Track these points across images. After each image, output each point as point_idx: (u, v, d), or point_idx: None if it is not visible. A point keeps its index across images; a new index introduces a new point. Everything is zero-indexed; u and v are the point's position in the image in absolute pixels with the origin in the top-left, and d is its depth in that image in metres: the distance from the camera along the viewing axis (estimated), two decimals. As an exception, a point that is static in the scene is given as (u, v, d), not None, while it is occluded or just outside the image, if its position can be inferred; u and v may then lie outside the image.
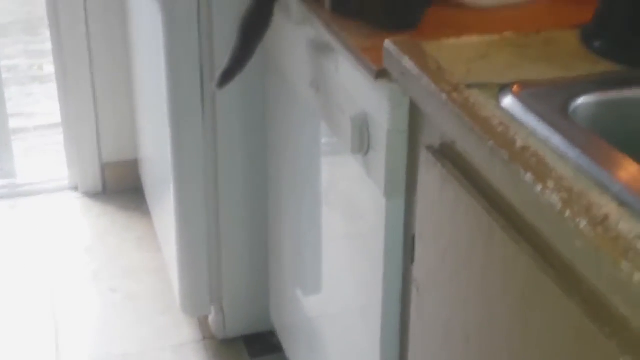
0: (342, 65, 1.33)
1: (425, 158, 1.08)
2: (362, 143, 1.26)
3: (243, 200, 1.90)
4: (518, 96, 0.97)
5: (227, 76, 1.48)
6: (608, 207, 0.75)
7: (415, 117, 1.15)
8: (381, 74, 1.15)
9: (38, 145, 2.96)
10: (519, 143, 0.87)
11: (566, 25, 1.18)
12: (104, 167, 2.63)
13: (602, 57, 1.07)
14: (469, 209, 0.97)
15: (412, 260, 1.16)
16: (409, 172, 1.18)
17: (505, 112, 0.94)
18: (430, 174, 1.07)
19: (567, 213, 0.74)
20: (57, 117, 2.69)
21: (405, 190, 1.20)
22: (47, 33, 2.61)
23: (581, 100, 0.98)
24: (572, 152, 0.84)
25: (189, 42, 1.74)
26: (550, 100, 0.97)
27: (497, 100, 0.97)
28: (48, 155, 2.86)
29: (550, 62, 1.07)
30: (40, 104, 3.34)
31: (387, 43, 1.13)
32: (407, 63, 1.07)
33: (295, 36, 1.54)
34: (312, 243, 1.61)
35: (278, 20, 1.50)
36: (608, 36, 1.08)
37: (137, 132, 2.54)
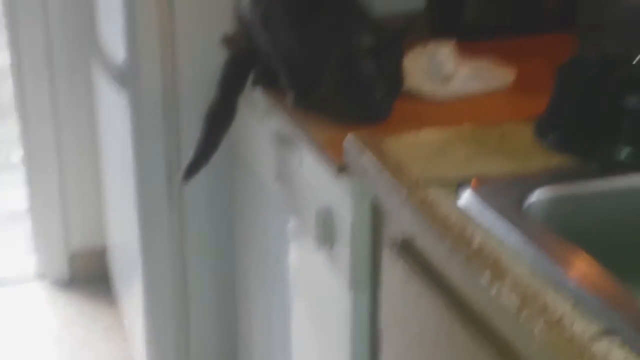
0: (305, 158, 1.35)
1: (388, 253, 1.09)
2: (327, 236, 1.28)
3: (212, 291, 1.90)
4: (476, 192, 0.99)
5: (193, 169, 1.50)
6: (563, 307, 0.76)
7: (378, 212, 1.17)
8: (342, 170, 1.17)
9: (4, 234, 2.94)
10: (476, 242, 0.89)
11: (522, 117, 1.21)
12: (71, 255, 2.62)
13: (555, 150, 1.10)
14: (431, 305, 0.98)
15: (378, 353, 1.16)
16: (373, 265, 1.20)
17: (463, 209, 0.96)
18: (394, 269, 1.08)
19: (523, 315, 0.76)
20: (24, 205, 2.68)
21: (371, 283, 1.21)
22: (14, 120, 2.62)
23: (536, 195, 1.00)
24: (528, 251, 0.86)
25: (156, 133, 1.76)
26: (507, 195, 0.99)
27: (456, 197, 0.99)
28: (15, 244, 2.84)
29: (507, 156, 1.10)
30: (7, 192, 3.33)
31: (348, 139, 1.15)
32: (367, 160, 1.09)
33: (260, 128, 1.57)
34: (281, 334, 1.61)
35: (243, 112, 1.53)
36: (560, 129, 1.11)
37: (105, 220, 2.54)
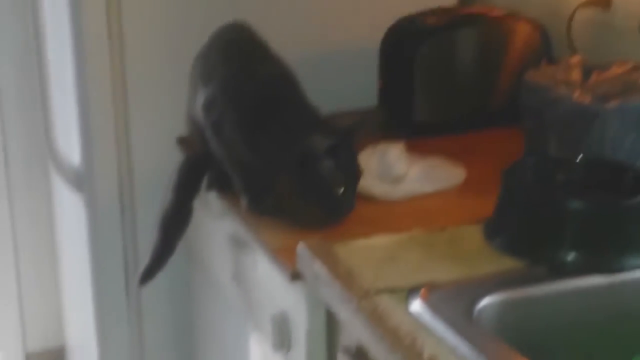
0: (259, 262, 1.36)
1: (342, 361, 1.09)
2: (283, 341, 1.27)
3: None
4: (426, 301, 1.00)
5: (148, 275, 1.49)
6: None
7: (332, 318, 1.17)
8: (296, 277, 1.18)
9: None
10: (427, 354, 0.90)
11: (473, 218, 1.24)
12: (28, 356, 2.56)
13: (503, 254, 1.12)
14: (385, 415, 0.98)
15: None
16: (329, 372, 1.19)
17: (414, 318, 0.97)
18: (348, 378, 1.08)
19: None
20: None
21: (327, 389, 1.20)
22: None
23: (485, 301, 1.02)
24: (476, 362, 0.87)
25: (113, 236, 1.76)
26: (457, 302, 1.01)
27: (406, 306, 1.00)
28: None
29: (456, 261, 1.12)
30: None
31: (300, 246, 1.16)
32: (319, 268, 1.11)
33: (216, 229, 1.57)
34: None
35: (199, 212, 1.54)
36: (507, 233, 1.14)
37: (63, 320, 2.50)
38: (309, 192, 1.30)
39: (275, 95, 1.36)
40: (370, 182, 1.39)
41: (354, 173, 1.32)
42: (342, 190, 1.29)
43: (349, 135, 1.33)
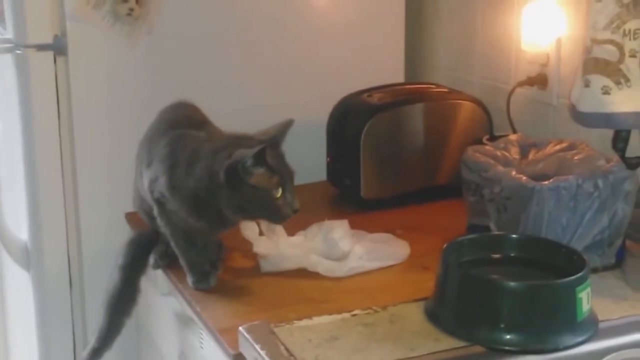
0: (205, 341, 1.36)
1: None
2: None
3: None
4: (364, 384, 1.01)
5: (95, 355, 1.48)
6: None
7: (274, 400, 1.17)
8: (238, 359, 1.18)
9: None
10: None
11: (416, 295, 1.25)
12: None
13: (443, 333, 1.14)
14: None
15: None
16: None
17: (351, 403, 0.98)
18: None
19: None
20: None
21: None
22: None
23: (423, 385, 1.03)
24: None
25: (61, 313, 1.75)
26: (395, 385, 1.02)
27: (344, 389, 1.01)
28: None
29: (397, 342, 1.13)
30: None
31: (241, 330, 1.17)
32: (260, 351, 1.11)
33: (162, 306, 1.57)
34: None
35: (146, 288, 1.54)
36: (446, 313, 1.15)
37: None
38: (247, 203, 1.31)
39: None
40: (315, 260, 1.40)
41: (286, 174, 1.33)
42: (279, 193, 1.30)
43: (275, 139, 1.35)
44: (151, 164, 1.39)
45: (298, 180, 1.80)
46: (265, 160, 1.29)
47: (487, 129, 1.70)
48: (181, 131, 1.41)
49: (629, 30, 1.21)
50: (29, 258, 1.76)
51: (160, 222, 1.40)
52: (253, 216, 1.37)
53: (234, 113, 1.79)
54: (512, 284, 1.11)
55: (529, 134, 1.60)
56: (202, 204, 1.34)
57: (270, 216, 1.34)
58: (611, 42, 1.21)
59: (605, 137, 1.38)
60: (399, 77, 1.94)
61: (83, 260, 1.74)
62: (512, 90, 1.71)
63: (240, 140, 1.35)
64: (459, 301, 1.14)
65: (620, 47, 1.21)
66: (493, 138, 1.62)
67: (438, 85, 1.83)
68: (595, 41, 1.22)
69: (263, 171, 1.30)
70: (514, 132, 1.68)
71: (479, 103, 1.73)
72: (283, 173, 1.32)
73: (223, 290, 1.38)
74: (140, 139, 1.48)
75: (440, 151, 1.70)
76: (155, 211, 1.40)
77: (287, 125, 1.40)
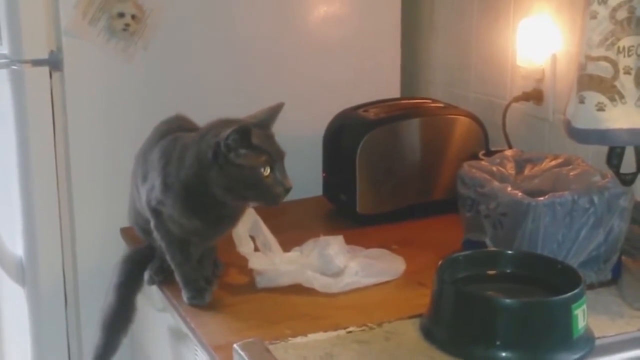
0: (200, 358, 1.35)
1: None
2: None
3: None
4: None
5: (92, 375, 1.47)
6: None
7: (269, 417, 1.16)
8: (233, 383, 1.18)
9: None
10: None
11: (411, 310, 1.25)
12: None
13: (438, 351, 1.13)
14: None
15: None
16: None
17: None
18: None
19: None
20: None
21: None
22: None
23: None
24: None
25: (57, 330, 1.74)
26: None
27: (340, 407, 1.00)
28: None
29: (391, 359, 1.13)
30: None
31: (236, 347, 1.16)
32: (254, 369, 1.10)
33: (157, 321, 1.56)
34: None
35: (142, 304, 1.53)
36: (441, 330, 1.15)
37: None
38: (235, 182, 1.30)
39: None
40: (310, 276, 1.40)
41: (276, 154, 1.32)
42: (267, 172, 1.29)
43: (265, 121, 1.35)
44: (147, 175, 1.39)
45: (293, 195, 1.80)
46: (250, 139, 1.28)
47: (483, 144, 1.70)
48: (174, 135, 1.41)
49: (623, 47, 1.21)
50: (24, 274, 1.75)
51: (156, 234, 1.40)
52: (243, 196, 1.33)
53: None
54: (508, 301, 1.11)
55: (524, 149, 1.60)
56: (194, 195, 1.32)
57: (261, 196, 1.32)
58: (605, 59, 1.21)
59: (601, 153, 1.38)
60: (395, 92, 1.94)
61: (78, 276, 1.73)
62: (508, 106, 1.72)
63: (228, 123, 1.33)
64: (455, 319, 1.14)
65: (614, 64, 1.21)
66: (489, 153, 1.62)
67: (434, 100, 1.84)
68: (589, 58, 1.22)
69: (249, 151, 1.29)
70: (510, 147, 1.68)
71: (474, 118, 1.73)
72: (272, 153, 1.31)
73: (218, 306, 1.38)
74: (135, 154, 1.48)
75: (436, 166, 1.70)
76: (152, 224, 1.39)
77: (277, 108, 1.39)
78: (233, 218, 1.39)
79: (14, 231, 1.78)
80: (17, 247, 1.78)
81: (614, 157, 1.30)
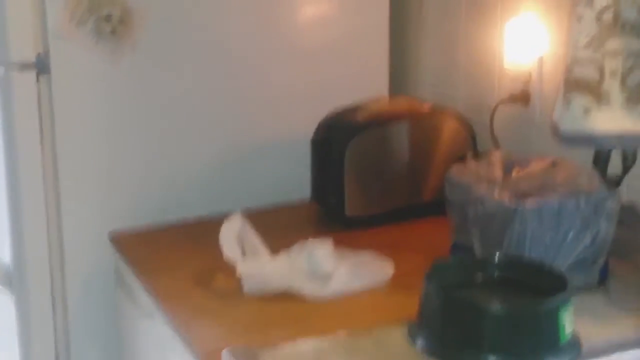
0: (189, 364, 1.35)
1: None
2: None
3: None
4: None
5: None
6: None
7: None
8: (222, 383, 1.18)
9: None
10: None
11: (399, 315, 1.25)
12: None
13: (427, 356, 1.13)
14: None
15: None
16: None
17: None
18: None
19: None
20: None
21: None
22: None
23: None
24: None
25: (44, 336, 1.73)
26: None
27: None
28: None
29: (380, 365, 1.13)
30: None
31: (225, 353, 1.16)
32: (243, 377, 1.10)
33: (146, 327, 1.56)
34: None
35: (130, 310, 1.53)
36: (429, 335, 1.15)
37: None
38: None
39: None
40: (298, 280, 1.40)
41: None
42: None
43: None
44: None
45: (282, 198, 1.81)
46: None
47: (471, 145, 1.71)
48: None
49: (609, 50, 1.21)
50: (11, 280, 1.75)
51: None
52: None
53: (218, 130, 1.80)
54: (495, 307, 1.11)
55: (512, 150, 1.60)
56: None
57: None
58: (591, 61, 1.22)
59: (588, 154, 1.38)
60: (384, 94, 1.94)
61: (66, 282, 1.72)
62: (496, 107, 1.72)
63: None
64: (443, 325, 1.14)
65: (600, 67, 1.21)
66: (477, 154, 1.62)
67: (422, 102, 1.83)
68: (575, 60, 1.22)
69: None
70: (498, 148, 1.68)
71: (462, 120, 1.73)
72: None
73: (207, 311, 1.38)
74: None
75: (424, 168, 1.70)
76: None
77: None
78: None
79: (1, 237, 1.77)
80: (4, 253, 1.77)
81: (601, 159, 1.30)
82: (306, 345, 1.18)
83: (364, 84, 1.90)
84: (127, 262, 1.59)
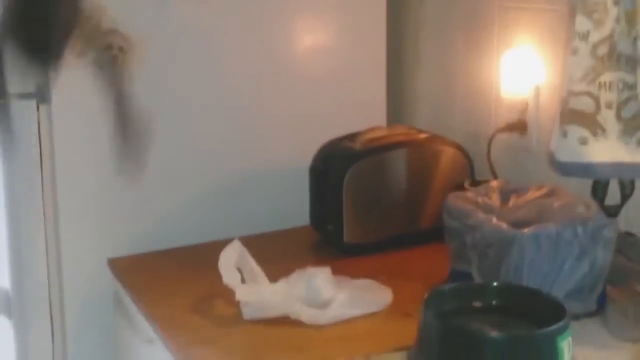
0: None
1: None
2: None
3: None
4: None
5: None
6: None
7: None
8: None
9: None
10: None
11: (398, 342, 1.26)
12: None
13: (426, 383, 1.14)
14: None
15: None
16: None
17: None
18: None
19: None
20: None
21: None
22: None
23: None
24: None
25: (43, 356, 1.73)
26: None
27: None
28: None
29: (378, 392, 1.13)
30: None
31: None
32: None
33: (145, 354, 1.55)
34: None
35: (129, 335, 1.52)
36: (429, 362, 1.16)
37: None
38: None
39: None
40: (297, 307, 1.40)
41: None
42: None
43: None
44: None
45: (281, 225, 1.82)
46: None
47: (468, 173, 1.72)
48: None
49: (605, 83, 1.23)
50: (10, 305, 1.75)
51: None
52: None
53: (217, 158, 1.81)
54: (493, 335, 1.11)
55: (509, 178, 1.62)
56: None
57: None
58: (587, 94, 1.23)
59: (585, 183, 1.39)
60: (381, 123, 1.95)
61: (65, 307, 1.72)
62: (493, 136, 1.74)
63: None
64: (441, 352, 1.14)
65: (596, 99, 1.23)
66: (474, 183, 1.64)
67: (420, 131, 1.85)
68: (571, 93, 1.24)
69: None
70: (495, 177, 1.70)
71: (460, 148, 1.74)
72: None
73: (206, 337, 1.38)
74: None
75: (422, 196, 1.71)
76: None
77: None
78: None
79: (1, 263, 1.77)
80: (3, 279, 1.77)
81: (599, 189, 1.31)
82: (306, 372, 1.19)
83: (362, 113, 1.92)
84: (126, 288, 1.60)
